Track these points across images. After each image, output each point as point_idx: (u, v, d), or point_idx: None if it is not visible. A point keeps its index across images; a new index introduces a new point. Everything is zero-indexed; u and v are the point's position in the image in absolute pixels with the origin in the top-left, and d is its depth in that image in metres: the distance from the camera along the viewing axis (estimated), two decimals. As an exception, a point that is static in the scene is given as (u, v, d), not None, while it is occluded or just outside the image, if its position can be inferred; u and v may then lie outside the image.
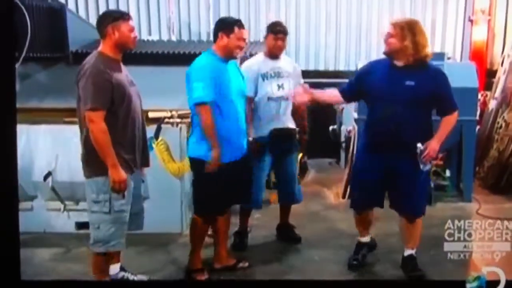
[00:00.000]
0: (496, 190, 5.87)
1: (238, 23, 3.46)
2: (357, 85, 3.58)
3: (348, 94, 3.67)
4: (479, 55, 7.67)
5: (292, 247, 4.27)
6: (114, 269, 3.35)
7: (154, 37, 7.36)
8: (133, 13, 8.18)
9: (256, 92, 3.95)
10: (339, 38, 8.25)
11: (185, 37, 7.89)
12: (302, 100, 3.66)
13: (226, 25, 3.43)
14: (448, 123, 3.47)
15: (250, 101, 3.89)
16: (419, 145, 3.34)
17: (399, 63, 3.37)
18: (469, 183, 5.60)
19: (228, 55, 3.45)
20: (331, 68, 8.08)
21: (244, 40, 3.47)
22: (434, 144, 3.37)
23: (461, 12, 8.05)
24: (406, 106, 3.30)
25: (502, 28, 7.77)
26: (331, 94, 3.81)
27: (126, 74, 3.16)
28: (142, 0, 8.21)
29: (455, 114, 3.51)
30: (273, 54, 4.02)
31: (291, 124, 4.13)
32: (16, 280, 1.49)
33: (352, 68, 7.75)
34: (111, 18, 3.08)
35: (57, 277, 3.62)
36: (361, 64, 5.82)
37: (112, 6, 8.25)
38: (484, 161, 6.34)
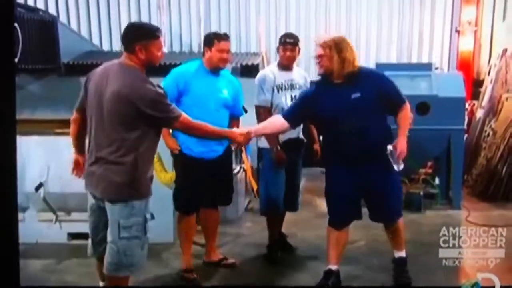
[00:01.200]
0: (485, 197, 5.95)
1: (217, 36, 3.74)
2: (302, 109, 3.55)
3: (293, 119, 3.55)
4: (466, 65, 7.81)
5: (283, 255, 4.30)
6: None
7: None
8: (124, 24, 8.24)
9: (271, 103, 4.02)
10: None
11: (176, 49, 7.95)
12: (245, 143, 3.48)
13: (207, 39, 3.75)
14: (404, 118, 3.46)
15: (268, 111, 3.98)
16: (389, 147, 3.35)
17: (337, 80, 3.40)
18: (458, 190, 5.69)
19: (213, 67, 3.72)
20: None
21: (225, 51, 3.66)
22: (402, 141, 3.38)
23: (448, 23, 8.21)
24: (360, 118, 3.32)
25: (488, 38, 7.92)
26: (274, 125, 3.57)
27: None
28: (133, 11, 8.27)
29: (407, 106, 3.50)
30: (284, 65, 4.08)
31: (301, 135, 4.23)
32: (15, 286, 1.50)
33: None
34: (142, 37, 2.78)
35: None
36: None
37: (104, 17, 8.31)
38: (473, 169, 6.43)
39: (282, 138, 3.98)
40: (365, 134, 3.32)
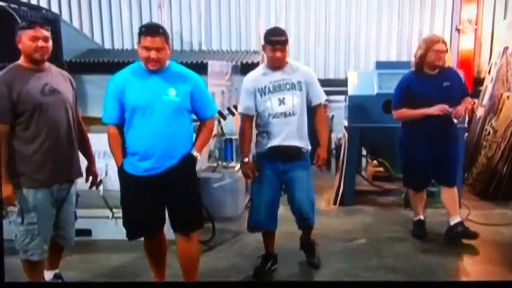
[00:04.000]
0: (485, 196, 5.95)
1: (141, 30, 2.97)
2: (403, 93, 4.46)
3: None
4: (466, 64, 7.80)
5: (282, 254, 4.31)
6: (48, 275, 3.44)
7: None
8: (125, 22, 8.27)
9: (254, 109, 3.60)
10: (328, 47, 8.37)
11: (177, 47, 7.97)
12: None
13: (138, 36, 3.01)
14: (466, 100, 4.49)
15: (251, 119, 3.65)
16: (451, 109, 4.28)
17: (433, 71, 4.37)
18: (458, 189, 5.67)
19: (146, 66, 2.99)
20: (321, 76, 8.18)
21: (147, 48, 2.90)
22: (461, 107, 4.36)
23: (448, 22, 8.20)
24: (448, 102, 4.34)
25: (488, 37, 7.91)
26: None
27: (44, 83, 3.06)
28: (134, 10, 8.29)
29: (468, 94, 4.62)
30: (274, 66, 3.56)
31: (298, 142, 3.60)
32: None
33: (342, 76, 7.86)
34: (18, 28, 3.04)
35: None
36: (350, 73, 5.94)
37: (105, 16, 8.33)
38: (473, 168, 6.43)
39: (267, 144, 3.60)
40: (448, 115, 4.27)
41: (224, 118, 5.00)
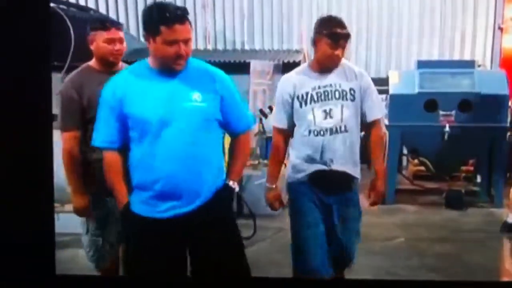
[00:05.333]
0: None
1: (160, 14, 2.08)
2: None
3: None
4: (509, 63, 7.66)
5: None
6: None
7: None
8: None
9: (291, 123, 2.76)
10: (370, 46, 8.36)
11: (220, 46, 8.12)
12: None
13: (148, 23, 2.18)
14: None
15: (284, 135, 2.82)
16: None
17: None
18: (499, 188, 5.65)
19: (170, 66, 2.14)
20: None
21: (175, 41, 2.06)
22: None
23: (491, 20, 8.07)
24: None
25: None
26: None
27: None
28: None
29: None
30: (321, 67, 2.72)
31: (350, 167, 2.73)
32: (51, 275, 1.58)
33: (383, 75, 7.85)
34: (89, 28, 2.70)
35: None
36: (391, 72, 5.97)
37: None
38: (516, 168, 6.36)
39: (307, 169, 2.74)
40: None
41: (266, 116, 5.13)
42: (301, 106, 2.72)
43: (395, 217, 5.34)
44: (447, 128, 5.42)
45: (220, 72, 2.25)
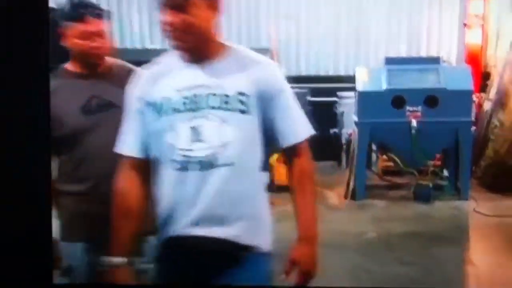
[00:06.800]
0: (493, 188, 6.04)
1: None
2: None
3: None
4: (474, 58, 7.85)
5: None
6: None
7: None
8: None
9: (145, 147, 1.71)
10: (338, 43, 8.43)
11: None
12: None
13: None
14: None
15: (138, 166, 1.72)
16: None
17: None
18: (466, 182, 5.79)
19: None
20: (331, 73, 8.25)
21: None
22: None
23: (456, 17, 8.25)
24: None
25: (496, 31, 7.95)
26: None
27: (90, 95, 2.04)
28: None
29: None
30: (197, 56, 1.66)
31: (230, 231, 1.64)
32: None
33: (351, 73, 7.93)
34: (61, 18, 2.02)
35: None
36: (359, 69, 6.04)
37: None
38: (481, 161, 6.52)
39: (166, 229, 1.68)
40: None
41: None
42: (155, 119, 1.64)
43: (366, 213, 5.41)
44: (414, 124, 5.52)
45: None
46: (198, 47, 1.62)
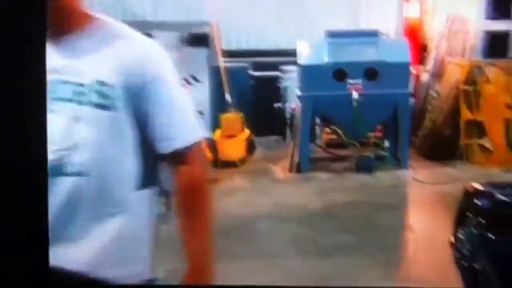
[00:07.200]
0: (431, 157, 6.26)
1: None
2: None
3: None
4: (412, 31, 8.02)
5: (239, 222, 4.39)
6: None
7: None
8: None
9: None
10: (279, 16, 8.36)
11: (119, 18, 7.66)
12: None
13: None
14: None
15: None
16: None
17: None
18: (405, 152, 5.96)
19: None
20: (272, 47, 8.19)
21: None
22: None
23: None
24: None
25: (432, 5, 8.14)
26: None
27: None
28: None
29: None
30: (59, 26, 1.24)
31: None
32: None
33: (293, 46, 7.91)
34: None
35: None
36: (300, 42, 6.03)
37: None
38: (419, 131, 6.73)
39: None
40: None
41: None
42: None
43: (310, 185, 5.47)
44: (355, 96, 5.60)
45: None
46: (53, 16, 1.11)
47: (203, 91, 5.59)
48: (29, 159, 1.46)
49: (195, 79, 4.97)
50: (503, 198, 2.78)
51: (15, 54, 1.36)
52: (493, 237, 2.59)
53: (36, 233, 1.61)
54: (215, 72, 6.17)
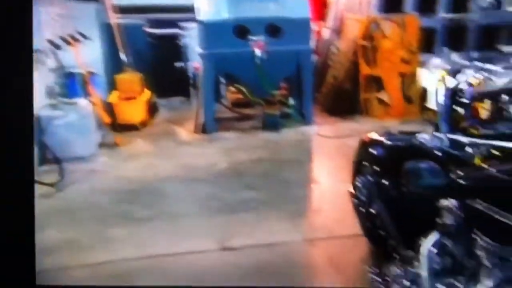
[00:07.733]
0: (334, 112, 6.40)
1: None
2: None
3: None
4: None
5: (143, 186, 4.25)
6: None
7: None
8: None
9: None
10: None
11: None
12: None
13: None
14: None
15: None
16: None
17: None
18: (309, 108, 6.03)
19: None
20: (170, 2, 7.82)
21: None
22: None
23: None
24: None
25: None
26: None
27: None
28: None
29: None
30: None
31: None
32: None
33: (192, 1, 7.60)
34: None
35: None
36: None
37: None
38: (322, 87, 6.84)
39: None
40: None
41: (58, 47, 4.62)
42: None
43: (216, 145, 5.40)
44: (257, 53, 5.52)
45: None
46: None
47: (94, 49, 5.21)
48: (16, 163, 1.38)
49: (83, 36, 4.60)
50: (395, 145, 2.88)
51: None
52: (387, 183, 2.68)
53: (23, 237, 1.54)
54: (106, 29, 5.78)
